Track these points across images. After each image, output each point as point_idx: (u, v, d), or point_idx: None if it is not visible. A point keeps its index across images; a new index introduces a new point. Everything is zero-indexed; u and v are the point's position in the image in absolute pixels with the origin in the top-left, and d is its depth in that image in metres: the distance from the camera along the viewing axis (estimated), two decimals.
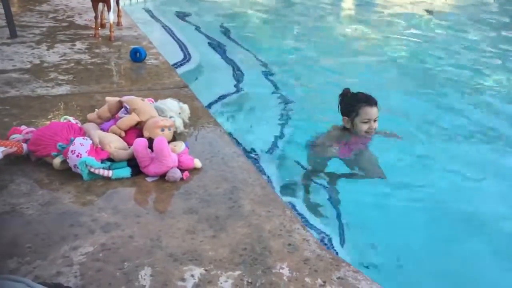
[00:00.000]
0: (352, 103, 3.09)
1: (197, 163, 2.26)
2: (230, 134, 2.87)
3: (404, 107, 4.23)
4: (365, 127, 3.05)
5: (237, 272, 1.61)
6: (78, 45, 4.31)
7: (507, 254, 2.50)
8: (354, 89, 3.19)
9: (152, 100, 2.71)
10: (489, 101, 4.67)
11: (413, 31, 7.68)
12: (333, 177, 3.09)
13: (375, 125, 3.06)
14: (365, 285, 1.59)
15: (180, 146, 2.27)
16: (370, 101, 3.04)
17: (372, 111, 3.03)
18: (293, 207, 2.56)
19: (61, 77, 3.43)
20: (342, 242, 2.46)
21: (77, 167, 2.07)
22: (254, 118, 3.97)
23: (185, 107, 2.69)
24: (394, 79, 5.30)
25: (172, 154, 2.17)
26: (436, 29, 8.05)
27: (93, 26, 4.69)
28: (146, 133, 2.32)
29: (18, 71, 3.51)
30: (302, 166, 3.17)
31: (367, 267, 2.20)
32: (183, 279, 1.56)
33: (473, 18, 8.90)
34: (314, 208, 2.70)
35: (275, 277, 1.59)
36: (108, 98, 2.56)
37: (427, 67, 5.87)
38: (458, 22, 8.56)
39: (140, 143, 2.17)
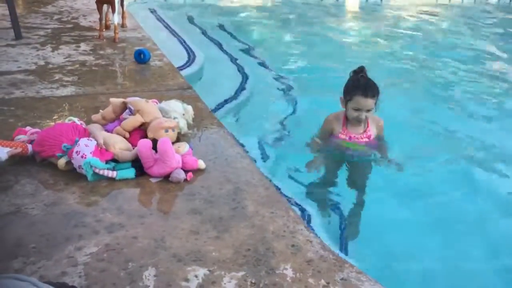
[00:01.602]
0: (350, 86, 3.01)
1: (201, 164, 2.27)
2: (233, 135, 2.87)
3: (409, 113, 4.21)
4: (355, 114, 2.98)
5: (241, 273, 1.61)
6: (83, 46, 4.34)
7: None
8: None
9: (156, 101, 2.72)
10: (495, 104, 4.67)
11: (417, 32, 7.68)
12: (336, 178, 3.10)
13: (369, 114, 2.97)
14: (368, 286, 1.59)
15: (184, 147, 2.28)
16: (366, 92, 2.92)
17: (365, 102, 2.93)
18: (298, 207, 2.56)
19: (65, 78, 3.44)
20: (345, 244, 2.46)
21: (82, 168, 2.08)
22: (257, 119, 3.97)
23: (189, 108, 2.70)
24: (397, 79, 5.29)
25: (176, 155, 2.18)
26: (440, 30, 8.05)
27: (98, 28, 4.72)
28: (150, 134, 2.33)
29: (23, 72, 3.53)
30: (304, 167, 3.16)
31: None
32: (186, 280, 1.56)
33: (477, 19, 8.89)
34: (317, 209, 2.70)
35: (279, 278, 1.60)
36: (112, 99, 2.57)
37: (430, 67, 5.87)
38: (461, 22, 8.56)
39: (144, 144, 2.18)
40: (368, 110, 2.97)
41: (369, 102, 2.93)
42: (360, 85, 2.95)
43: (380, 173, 3.07)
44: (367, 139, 3.13)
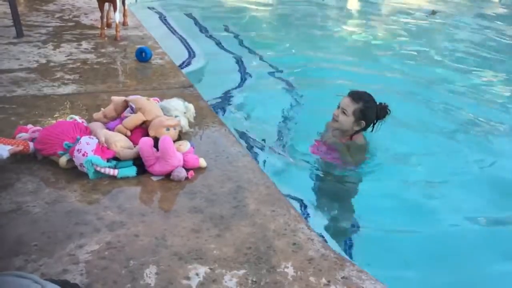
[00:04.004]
0: None
1: (202, 162, 2.27)
2: (237, 132, 2.88)
3: (407, 110, 4.19)
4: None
5: (242, 271, 1.61)
6: (84, 44, 4.33)
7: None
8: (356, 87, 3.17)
9: (158, 99, 2.72)
10: (495, 103, 4.65)
11: (417, 31, 7.67)
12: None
13: (341, 117, 2.98)
14: (369, 284, 1.59)
15: (185, 145, 2.28)
16: (352, 92, 3.00)
17: (343, 99, 2.99)
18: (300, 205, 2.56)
19: (67, 77, 3.44)
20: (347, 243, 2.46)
21: (83, 166, 2.09)
22: (259, 117, 3.97)
23: (190, 106, 2.70)
24: (398, 79, 5.28)
25: (177, 154, 2.18)
26: (440, 29, 8.04)
27: (99, 26, 4.71)
28: (151, 132, 2.33)
29: (25, 70, 3.53)
30: (307, 164, 3.16)
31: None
32: (188, 278, 1.57)
33: (478, 18, 8.87)
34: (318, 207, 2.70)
35: (280, 276, 1.60)
36: (113, 98, 2.57)
37: (431, 66, 5.86)
38: (461, 21, 8.54)
39: (145, 142, 2.18)
40: (343, 111, 2.97)
41: (346, 100, 2.97)
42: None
43: (378, 174, 3.06)
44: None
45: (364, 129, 3.03)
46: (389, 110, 2.99)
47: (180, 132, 2.46)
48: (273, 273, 1.61)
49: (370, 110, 2.96)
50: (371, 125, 3.03)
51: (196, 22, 7.11)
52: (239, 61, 5.31)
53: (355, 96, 2.97)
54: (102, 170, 2.10)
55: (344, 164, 3.04)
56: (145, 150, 2.16)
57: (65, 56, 3.93)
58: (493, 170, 3.32)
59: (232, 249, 1.72)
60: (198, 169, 2.25)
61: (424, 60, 6.16)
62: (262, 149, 3.21)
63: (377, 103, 2.99)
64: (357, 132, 3.03)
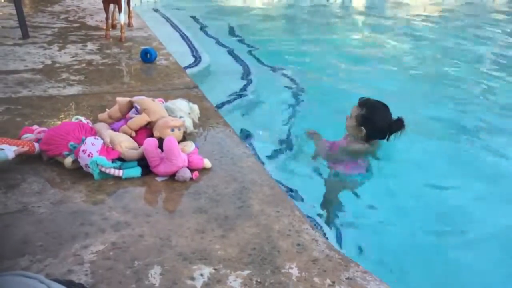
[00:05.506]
0: None
1: (207, 163, 2.27)
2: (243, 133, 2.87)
3: (412, 112, 4.18)
4: None
5: (246, 272, 1.61)
6: (90, 45, 4.35)
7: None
8: (362, 92, 3.18)
9: (162, 100, 2.73)
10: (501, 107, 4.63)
11: (423, 32, 7.65)
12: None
13: (348, 121, 3.09)
14: (373, 285, 1.59)
15: (190, 146, 2.29)
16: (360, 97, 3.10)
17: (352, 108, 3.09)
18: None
19: (72, 78, 3.46)
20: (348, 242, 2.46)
21: (88, 167, 2.09)
22: (263, 118, 3.97)
23: (195, 107, 2.70)
24: (404, 81, 5.27)
25: (182, 154, 2.19)
26: (447, 30, 8.02)
27: (104, 27, 4.74)
28: (156, 133, 2.33)
29: (30, 71, 3.55)
30: (310, 167, 3.16)
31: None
32: (192, 278, 1.57)
33: (485, 18, 8.85)
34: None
35: (284, 277, 1.60)
36: (118, 98, 2.58)
37: (436, 68, 5.85)
38: (469, 23, 8.52)
39: (150, 143, 2.18)
40: (351, 114, 3.06)
41: (353, 107, 3.06)
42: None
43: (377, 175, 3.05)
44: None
45: (371, 137, 3.04)
46: (404, 125, 2.98)
47: (185, 132, 2.46)
48: (278, 273, 1.61)
49: (371, 119, 2.99)
50: (376, 135, 3.05)
51: (200, 23, 7.12)
52: (243, 62, 5.32)
53: (362, 102, 3.05)
54: (107, 171, 2.11)
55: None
56: (150, 151, 2.17)
57: (70, 57, 3.95)
58: (506, 177, 3.29)
59: (237, 249, 1.72)
60: (203, 170, 2.25)
61: (432, 61, 6.15)
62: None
63: (390, 117, 3.00)
64: (362, 139, 3.06)
